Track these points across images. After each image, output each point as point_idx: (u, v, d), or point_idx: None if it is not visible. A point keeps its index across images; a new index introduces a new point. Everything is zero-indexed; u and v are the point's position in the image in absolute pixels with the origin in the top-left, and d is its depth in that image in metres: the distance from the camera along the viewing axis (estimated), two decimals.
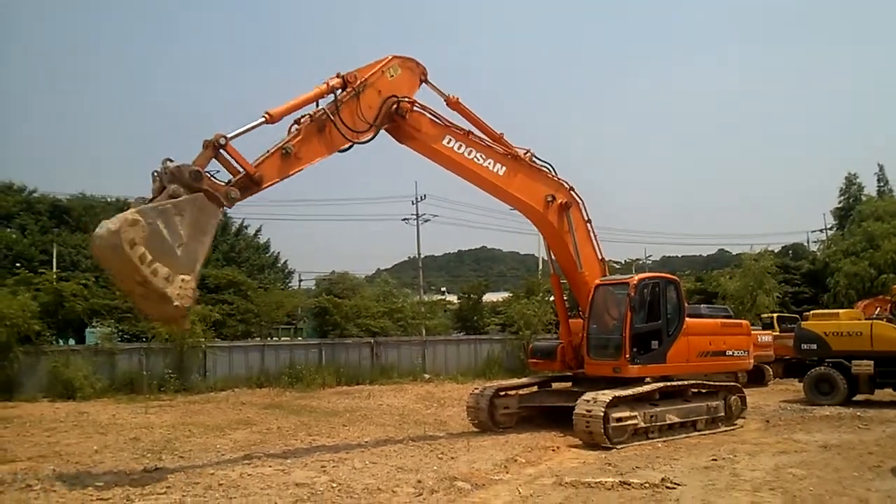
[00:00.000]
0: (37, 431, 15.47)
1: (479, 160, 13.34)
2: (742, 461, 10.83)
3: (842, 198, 48.43)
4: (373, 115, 12.00)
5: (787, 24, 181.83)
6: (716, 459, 10.95)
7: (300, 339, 33.26)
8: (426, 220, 49.11)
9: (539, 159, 14.39)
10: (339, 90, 11.58)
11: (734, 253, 55.17)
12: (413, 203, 48.48)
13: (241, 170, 10.35)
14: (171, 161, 9.69)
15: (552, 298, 32.99)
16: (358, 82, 11.76)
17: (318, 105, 11.44)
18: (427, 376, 28.20)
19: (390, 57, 12.46)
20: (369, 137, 12.08)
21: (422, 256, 50.32)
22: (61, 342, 26.69)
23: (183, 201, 9.39)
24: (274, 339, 32.34)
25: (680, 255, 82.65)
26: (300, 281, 51.91)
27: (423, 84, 13.08)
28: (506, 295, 38.72)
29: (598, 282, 14.39)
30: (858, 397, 18.44)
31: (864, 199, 45.48)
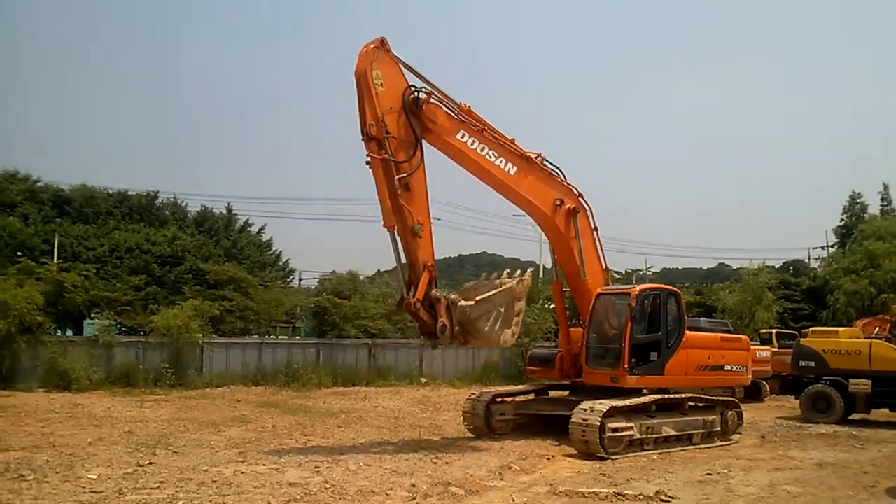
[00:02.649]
0: (31, 422, 15.48)
1: (491, 157, 13.48)
2: (737, 476, 10.80)
3: (844, 216, 48.41)
4: (408, 129, 12.37)
5: (788, 42, 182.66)
6: (710, 474, 10.92)
7: (298, 338, 33.22)
8: None
9: (550, 163, 14.50)
10: (385, 154, 11.89)
11: (734, 267, 55.07)
12: None
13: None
14: (433, 342, 12.72)
15: (552, 306, 33.10)
16: (378, 126, 11.84)
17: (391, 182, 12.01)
18: (424, 380, 28.18)
19: (362, 69, 11.85)
20: (422, 148, 12.62)
21: None
22: (60, 333, 26.71)
23: (474, 323, 12.43)
24: (272, 337, 32.32)
25: (680, 268, 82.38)
26: (300, 280, 51.86)
27: (395, 58, 12.50)
28: None
29: (598, 291, 14.37)
30: (855, 416, 18.39)
31: (866, 217, 45.45)
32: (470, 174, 13.71)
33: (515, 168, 13.75)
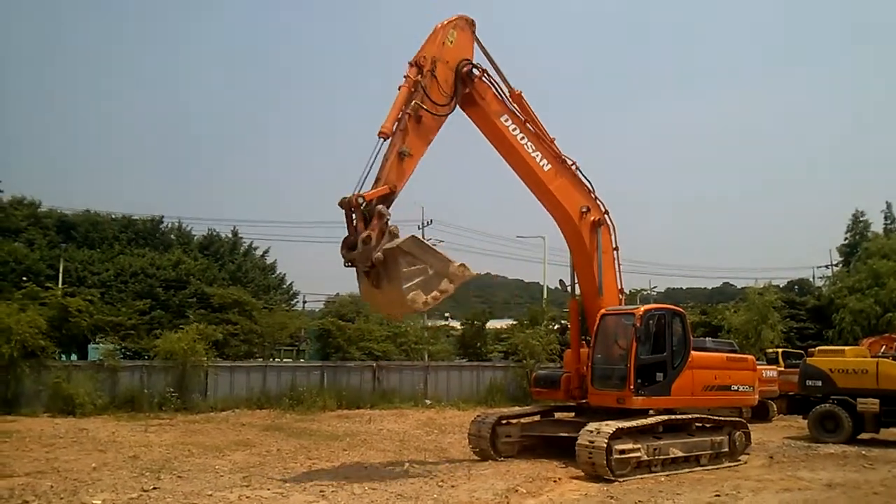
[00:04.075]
0: (36, 447, 15.42)
1: (529, 149, 14.02)
2: (746, 498, 10.71)
3: (848, 234, 48.44)
4: (451, 87, 13.00)
5: (790, 57, 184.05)
6: (719, 495, 10.83)
7: (302, 360, 33.17)
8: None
9: (583, 174, 14.86)
10: (420, 78, 12.44)
11: (739, 287, 54.98)
12: (419, 228, 48.47)
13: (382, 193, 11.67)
14: (347, 253, 11.55)
15: (556, 327, 33.04)
16: (429, 63, 12.60)
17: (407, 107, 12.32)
18: (428, 402, 28.03)
19: (444, 24, 13.12)
20: (451, 108, 13.09)
21: None
22: (64, 357, 26.67)
23: (398, 259, 11.34)
24: (276, 360, 32.25)
25: (685, 287, 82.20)
26: (304, 302, 51.89)
27: (477, 43, 13.68)
28: (510, 322, 38.59)
29: (603, 311, 14.33)
30: (863, 436, 18.24)
31: (870, 236, 45.43)
32: (504, 160, 14.23)
33: (550, 166, 14.27)
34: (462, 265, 12.20)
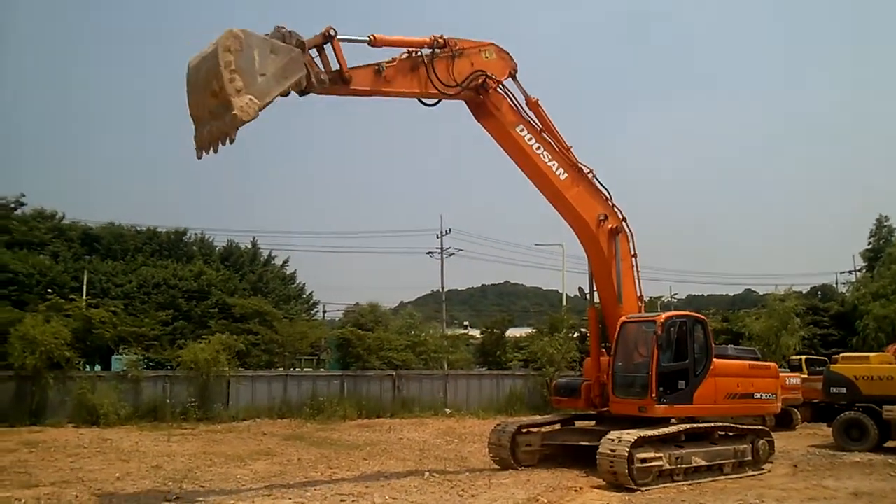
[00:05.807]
0: (60, 457, 15.61)
1: (545, 158, 14.10)
2: None
3: (871, 239, 47.80)
4: (461, 80, 13.07)
5: (803, 67, 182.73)
6: None
7: (322, 370, 33.27)
8: (450, 254, 49.08)
9: (600, 182, 14.85)
10: (439, 48, 12.68)
11: (761, 293, 54.33)
12: (438, 237, 48.57)
13: (337, 67, 11.28)
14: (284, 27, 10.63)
15: (576, 335, 32.90)
16: (457, 47, 12.91)
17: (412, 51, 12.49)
18: (448, 411, 28.02)
19: (489, 42, 13.57)
20: (452, 94, 13.12)
21: (445, 290, 50.14)
22: (88, 368, 26.96)
23: (282, 47, 10.42)
24: (296, 369, 32.40)
25: (706, 294, 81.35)
26: (324, 312, 52.08)
27: (511, 80, 13.97)
28: (529, 330, 38.47)
29: (624, 319, 14.24)
30: (890, 443, 17.94)
31: (894, 241, 44.82)
32: (520, 170, 14.28)
33: (567, 175, 14.30)
34: (251, 103, 9.70)
